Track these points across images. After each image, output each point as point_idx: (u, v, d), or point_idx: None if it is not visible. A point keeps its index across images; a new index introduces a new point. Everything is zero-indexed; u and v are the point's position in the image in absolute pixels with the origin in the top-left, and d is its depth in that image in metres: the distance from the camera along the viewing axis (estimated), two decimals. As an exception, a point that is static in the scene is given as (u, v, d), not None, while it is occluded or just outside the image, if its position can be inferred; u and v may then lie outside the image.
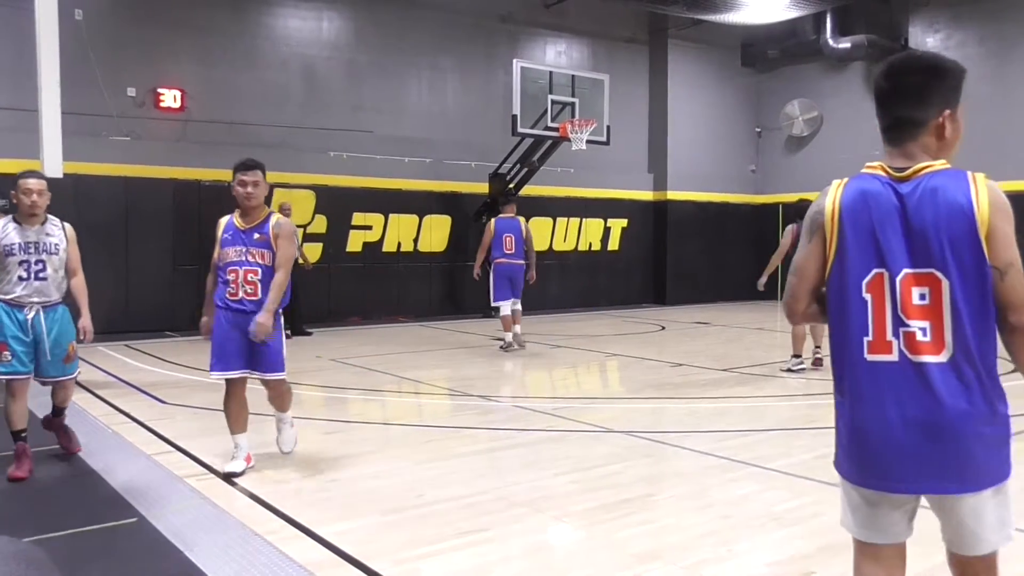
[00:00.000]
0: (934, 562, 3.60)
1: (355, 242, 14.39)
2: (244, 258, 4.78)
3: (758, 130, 19.60)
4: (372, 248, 14.60)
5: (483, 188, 15.22)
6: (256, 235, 4.80)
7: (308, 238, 13.48)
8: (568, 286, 16.97)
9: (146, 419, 6.51)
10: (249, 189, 4.83)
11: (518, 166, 14.80)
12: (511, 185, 14.93)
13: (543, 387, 8.91)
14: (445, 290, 15.52)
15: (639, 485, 4.80)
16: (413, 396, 8.09)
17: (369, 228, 14.49)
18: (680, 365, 9.49)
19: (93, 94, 11.92)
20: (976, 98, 15.89)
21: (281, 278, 4.83)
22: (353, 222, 14.36)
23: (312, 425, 6.55)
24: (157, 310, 12.54)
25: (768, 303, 18.61)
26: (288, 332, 11.78)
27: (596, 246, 17.45)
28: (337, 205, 14.12)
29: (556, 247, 16.84)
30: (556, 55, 16.96)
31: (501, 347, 10.74)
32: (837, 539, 3.89)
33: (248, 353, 4.81)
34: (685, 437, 5.96)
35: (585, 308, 16.80)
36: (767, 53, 18.60)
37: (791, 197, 18.61)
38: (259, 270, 4.79)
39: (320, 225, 14.02)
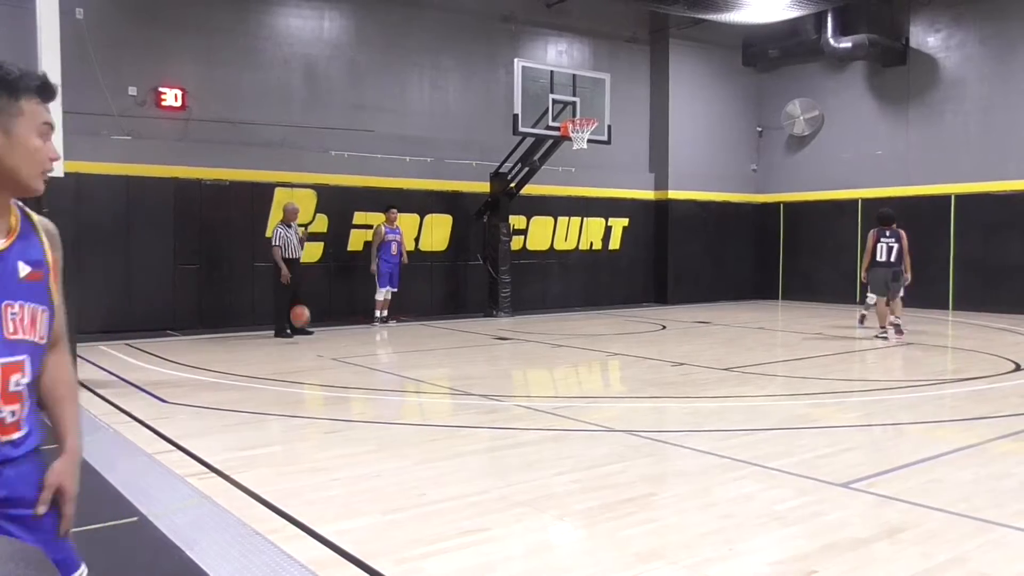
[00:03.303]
0: (936, 562, 3.61)
1: (356, 241, 14.38)
2: None
3: (759, 129, 19.59)
4: (373, 247, 14.59)
5: (484, 187, 15.22)
6: (22, 267, 1.85)
7: (310, 237, 13.45)
8: (569, 285, 16.98)
9: (147, 418, 6.51)
10: None
11: (519, 165, 14.80)
12: (512, 184, 14.93)
13: (544, 386, 8.91)
14: (446, 289, 15.52)
15: (640, 484, 4.79)
16: (414, 395, 8.09)
17: (370, 227, 14.50)
18: (681, 364, 9.49)
19: (94, 93, 11.92)
20: (977, 98, 15.91)
21: (70, 373, 2.11)
22: (354, 221, 14.36)
23: (313, 424, 6.57)
24: (158, 309, 12.55)
25: (769, 303, 18.64)
26: (288, 332, 12.02)
27: (597, 245, 17.45)
28: (338, 204, 14.12)
29: (557, 246, 16.83)
30: (557, 54, 16.96)
31: (378, 322, 13.52)
32: (839, 538, 3.90)
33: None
34: (687, 436, 5.96)
35: (586, 307, 16.80)
36: (768, 52, 18.59)
37: (792, 196, 18.83)
38: (25, 361, 1.86)
39: (321, 224, 14.02)
